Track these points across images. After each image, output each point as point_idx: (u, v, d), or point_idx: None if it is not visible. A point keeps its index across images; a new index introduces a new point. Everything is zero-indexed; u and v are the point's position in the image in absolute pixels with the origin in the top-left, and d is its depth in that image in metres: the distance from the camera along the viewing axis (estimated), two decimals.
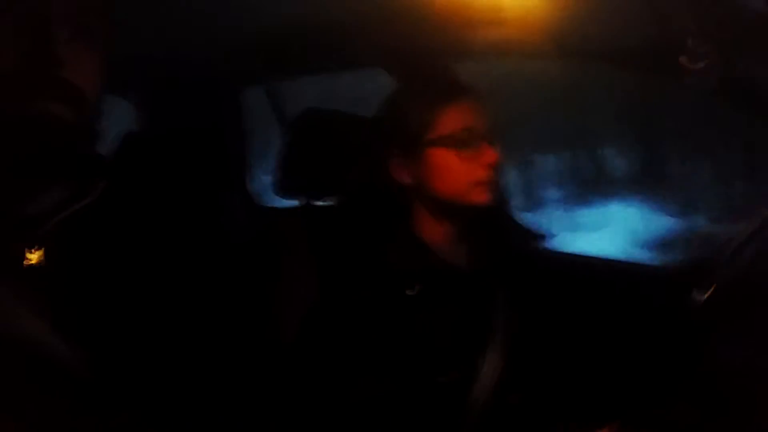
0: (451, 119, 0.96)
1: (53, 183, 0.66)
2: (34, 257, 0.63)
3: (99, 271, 0.68)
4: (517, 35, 1.17)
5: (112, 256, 0.70)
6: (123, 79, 1.90)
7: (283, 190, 1.21)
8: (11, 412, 0.57)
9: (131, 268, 0.71)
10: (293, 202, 1.20)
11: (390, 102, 1.05)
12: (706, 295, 0.84)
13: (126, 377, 0.65)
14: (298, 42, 1.41)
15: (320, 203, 1.17)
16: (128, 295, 0.69)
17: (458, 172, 0.96)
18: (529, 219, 1.13)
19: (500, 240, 1.06)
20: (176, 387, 0.68)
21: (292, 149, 1.20)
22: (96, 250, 0.69)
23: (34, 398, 0.59)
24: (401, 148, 0.99)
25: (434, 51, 1.38)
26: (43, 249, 0.64)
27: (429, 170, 0.97)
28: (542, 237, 1.10)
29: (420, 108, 0.98)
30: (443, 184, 0.97)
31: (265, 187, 1.40)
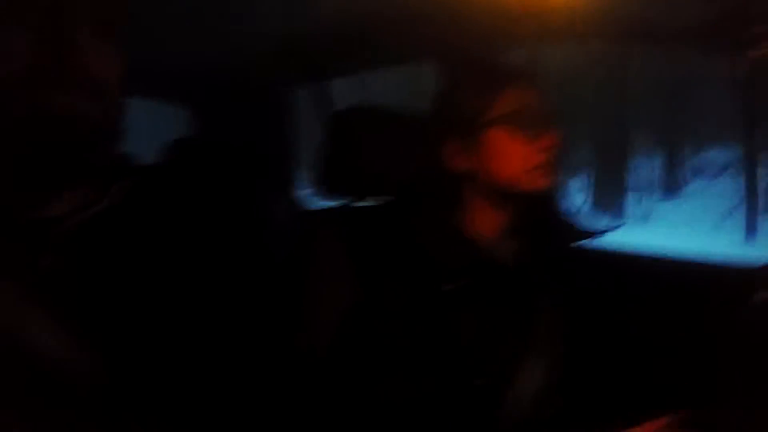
0: (510, 100, 0.94)
1: (76, 183, 0.65)
2: (51, 260, 0.62)
3: (126, 277, 0.66)
4: (567, 21, 1.14)
5: (143, 260, 0.68)
6: (170, 86, 1.94)
7: (326, 191, 1.19)
8: (22, 418, 0.56)
9: (164, 272, 0.68)
10: (335, 203, 1.18)
11: (445, 90, 1.03)
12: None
13: (148, 386, 0.63)
14: (346, 40, 1.40)
15: (363, 203, 1.15)
16: (157, 302, 0.66)
17: (518, 154, 0.93)
18: (581, 215, 1.09)
19: (548, 237, 1.03)
20: (205, 396, 0.66)
21: (334, 148, 1.18)
22: (125, 254, 0.67)
23: (45, 405, 0.57)
24: (459, 132, 0.96)
25: (485, 41, 1.35)
26: (63, 252, 0.62)
27: (488, 153, 0.95)
28: (592, 234, 1.05)
29: (478, 90, 0.96)
30: (502, 167, 0.94)
31: (309, 189, 1.39)
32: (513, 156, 0.93)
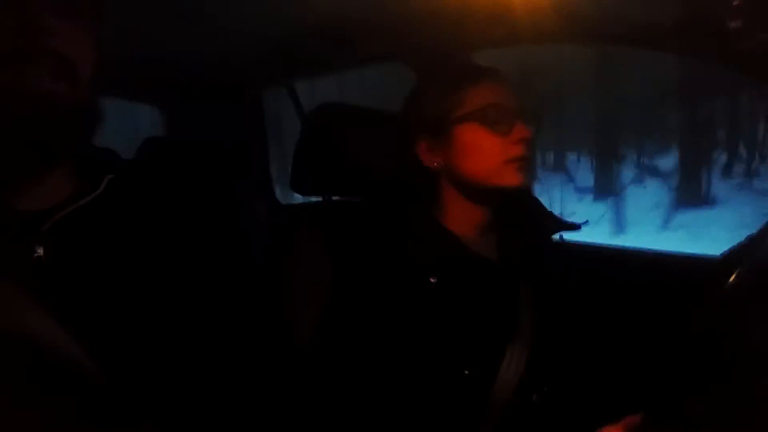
0: (479, 96, 0.95)
1: (57, 176, 0.66)
2: (42, 253, 0.63)
3: (108, 268, 0.67)
4: (537, 21, 1.15)
5: (124, 252, 0.69)
6: (144, 84, 1.93)
7: (301, 187, 1.20)
8: (18, 408, 0.56)
9: (144, 265, 0.70)
10: (311, 199, 1.19)
11: (416, 89, 1.04)
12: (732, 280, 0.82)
13: (136, 377, 0.64)
14: (317, 41, 1.40)
15: (338, 198, 1.16)
16: (140, 293, 0.68)
17: (489, 149, 0.94)
18: (559, 208, 1.11)
19: (528, 229, 1.04)
20: (187, 388, 0.67)
21: (307, 145, 1.19)
22: (107, 246, 0.68)
23: (42, 395, 0.58)
24: (430, 130, 0.98)
25: (454, 41, 1.37)
26: (51, 244, 0.63)
27: (459, 149, 0.96)
28: (571, 227, 1.07)
29: (447, 88, 0.97)
30: (474, 163, 0.95)
31: (285, 185, 1.40)
32: (482, 152, 0.94)
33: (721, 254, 0.92)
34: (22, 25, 0.58)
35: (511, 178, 0.94)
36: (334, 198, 1.18)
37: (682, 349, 1.09)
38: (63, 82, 0.61)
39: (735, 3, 0.88)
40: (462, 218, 0.99)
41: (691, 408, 0.92)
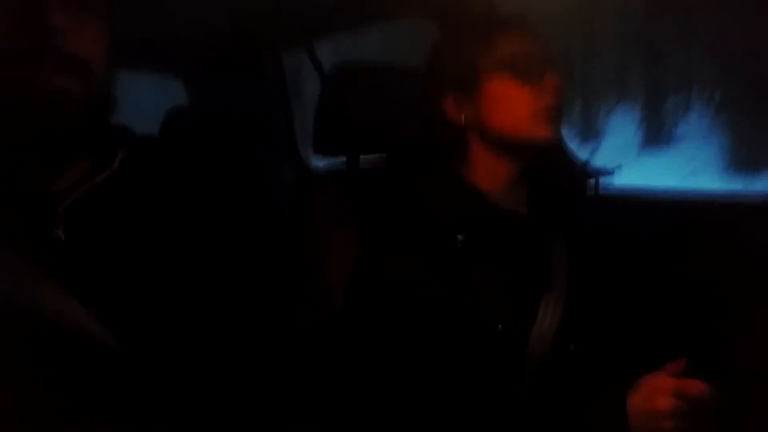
0: (507, 44, 0.92)
1: (73, 157, 0.66)
2: (61, 233, 0.63)
3: (128, 245, 0.67)
4: None
5: (143, 227, 0.69)
6: (164, 57, 1.93)
7: (324, 147, 1.18)
8: (37, 387, 0.57)
9: (164, 239, 0.69)
10: (336, 161, 1.18)
11: (440, 43, 1.01)
12: None
13: (160, 349, 0.64)
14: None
15: (362, 158, 1.14)
16: (162, 268, 0.68)
17: (518, 101, 0.91)
18: (589, 154, 1.07)
19: (558, 181, 1.01)
20: (210, 360, 0.68)
21: (328, 104, 1.17)
22: (126, 222, 0.68)
23: (62, 373, 0.59)
24: (456, 84, 0.94)
25: None
26: (70, 225, 0.64)
27: (488, 102, 0.93)
28: (603, 173, 1.04)
29: (473, 39, 0.94)
30: (503, 115, 0.92)
31: (309, 149, 1.39)
32: (512, 103, 0.91)
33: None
34: (33, 27, 0.58)
35: (542, 130, 0.91)
36: (358, 159, 1.16)
37: (723, 297, 1.06)
38: (76, 79, 0.61)
39: None
40: (490, 173, 0.97)
41: (733, 354, 0.90)
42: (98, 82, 0.63)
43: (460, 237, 0.91)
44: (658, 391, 0.80)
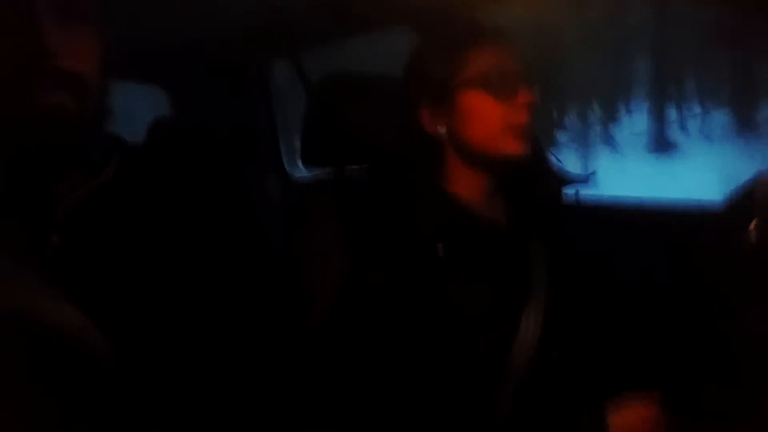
0: (481, 59, 0.92)
1: (68, 166, 0.67)
2: (57, 239, 0.64)
3: (123, 251, 0.68)
4: None
5: (135, 234, 0.70)
6: (149, 67, 1.93)
7: (310, 159, 1.19)
8: (33, 391, 0.58)
9: (155, 246, 0.71)
10: (321, 172, 1.19)
11: (417, 53, 1.01)
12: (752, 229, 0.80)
13: (151, 358, 0.65)
14: (318, 10, 1.39)
15: (348, 169, 1.15)
16: (155, 275, 0.69)
17: (492, 115, 0.91)
18: (566, 164, 1.09)
19: (535, 190, 1.03)
20: (202, 366, 0.68)
21: (313, 116, 1.18)
22: (119, 228, 0.69)
23: (58, 378, 0.59)
24: (431, 96, 0.95)
25: (458, 2, 1.34)
26: (65, 231, 0.65)
27: (461, 115, 0.94)
28: (579, 179, 1.05)
29: (447, 52, 0.95)
30: (477, 129, 0.93)
31: (295, 159, 1.39)
32: (488, 116, 0.92)
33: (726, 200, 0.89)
34: (29, 47, 0.58)
35: (512, 146, 0.92)
36: (345, 168, 1.17)
37: (701, 304, 1.08)
38: (71, 95, 0.61)
39: None
40: (467, 184, 0.98)
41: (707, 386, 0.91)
42: (93, 95, 0.64)
43: (440, 246, 0.91)
44: (640, 420, 0.83)
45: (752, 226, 0.81)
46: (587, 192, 1.14)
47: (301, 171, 1.34)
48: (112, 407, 0.61)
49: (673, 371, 0.86)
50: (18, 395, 0.57)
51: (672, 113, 9.74)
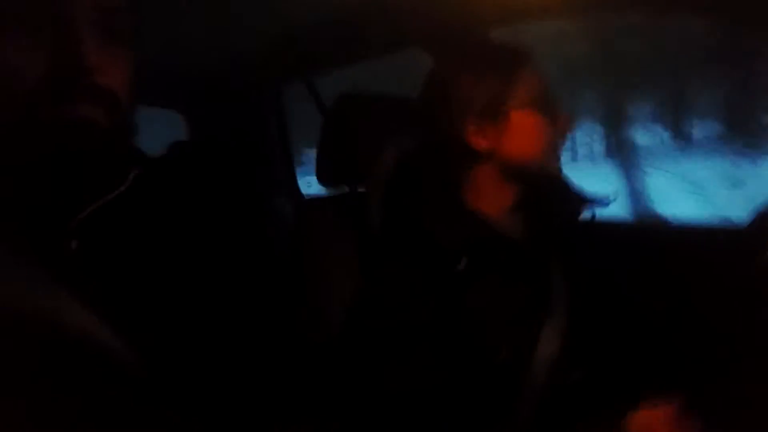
0: (530, 81, 0.97)
1: (90, 177, 0.68)
2: (75, 246, 0.66)
3: (139, 260, 0.70)
4: None
5: (152, 245, 0.72)
6: (165, 90, 1.96)
7: (325, 179, 1.20)
8: (50, 394, 0.58)
9: (169, 257, 0.72)
10: (337, 191, 1.20)
11: (451, 74, 1.01)
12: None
13: (169, 368, 0.66)
14: (333, 32, 1.41)
15: (362, 188, 1.16)
16: (165, 284, 0.70)
17: (542, 135, 0.97)
18: (587, 185, 1.09)
19: (556, 207, 1.04)
20: (216, 381, 0.69)
21: (328, 136, 1.20)
22: (136, 238, 0.71)
23: (78, 383, 0.60)
24: (480, 114, 0.97)
25: (472, 23, 1.35)
26: (84, 237, 0.66)
27: (511, 133, 0.97)
28: (600, 202, 1.06)
29: (499, 73, 0.97)
30: (527, 146, 0.97)
31: (310, 179, 1.40)
32: (537, 136, 0.97)
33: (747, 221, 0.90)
34: (68, 62, 0.60)
35: (555, 161, 0.98)
36: (359, 187, 1.18)
37: (721, 324, 1.06)
38: (103, 110, 0.64)
39: None
40: (492, 200, 1.00)
41: (732, 383, 0.90)
42: (123, 112, 0.67)
43: (463, 261, 0.92)
44: (656, 423, 0.82)
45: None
46: (607, 211, 1.14)
47: (318, 189, 1.35)
48: (126, 410, 0.61)
49: (690, 390, 0.85)
50: (34, 397, 0.58)
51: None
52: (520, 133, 0.97)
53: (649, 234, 1.37)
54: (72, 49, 0.60)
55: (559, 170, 1.00)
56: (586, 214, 1.08)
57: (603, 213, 1.12)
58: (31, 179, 0.64)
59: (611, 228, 1.34)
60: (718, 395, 0.85)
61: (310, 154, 1.26)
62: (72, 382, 0.59)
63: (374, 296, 0.93)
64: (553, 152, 0.98)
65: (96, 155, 0.65)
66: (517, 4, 1.25)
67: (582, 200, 1.05)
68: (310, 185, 1.84)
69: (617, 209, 1.24)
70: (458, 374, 0.88)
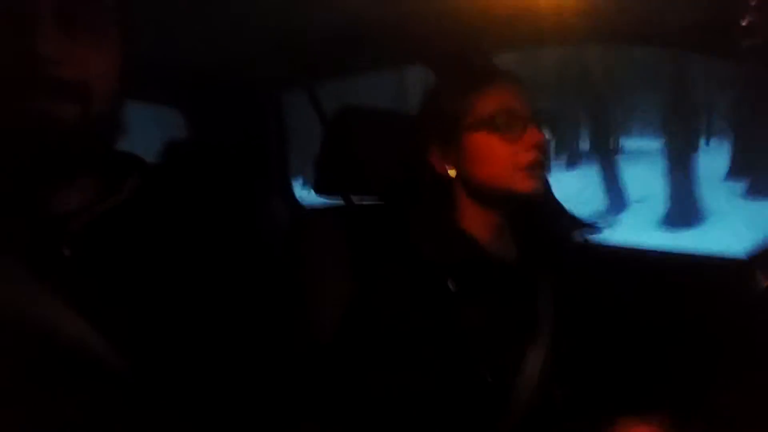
0: (490, 102, 0.94)
1: (79, 179, 0.67)
2: (69, 254, 0.64)
3: (133, 268, 0.68)
4: (556, 22, 1.15)
5: (148, 253, 0.70)
6: (164, 87, 1.95)
7: (322, 189, 1.20)
8: (43, 402, 0.58)
9: (166, 265, 0.71)
10: (332, 201, 1.20)
11: (429, 94, 1.03)
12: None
13: (164, 374, 0.65)
14: (336, 42, 1.41)
15: (359, 200, 1.16)
16: (162, 292, 0.69)
17: (501, 156, 0.93)
18: (576, 207, 1.10)
19: (545, 229, 1.04)
20: (208, 387, 0.69)
21: (328, 147, 1.20)
22: (132, 247, 0.69)
23: (69, 390, 0.59)
24: (441, 137, 0.97)
25: (473, 43, 1.37)
26: (78, 245, 0.65)
27: (470, 156, 0.95)
28: (589, 226, 1.06)
29: (456, 94, 0.96)
30: (485, 170, 0.94)
31: (306, 187, 1.41)
32: (497, 157, 0.93)
33: (748, 254, 0.91)
34: (27, 55, 0.56)
35: (523, 185, 0.92)
36: (356, 200, 1.18)
37: (705, 349, 1.08)
38: (71, 105, 0.60)
39: (752, 2, 0.89)
40: (478, 221, 0.99)
41: (717, 404, 0.91)
42: (100, 106, 0.62)
43: (451, 282, 0.92)
44: None
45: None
46: (598, 235, 1.15)
47: (313, 198, 1.35)
48: (119, 418, 0.61)
49: (675, 408, 0.85)
50: (27, 405, 0.57)
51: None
52: (479, 155, 0.94)
53: (641, 259, 1.39)
54: (28, 39, 0.56)
55: (540, 193, 0.95)
56: (577, 238, 1.08)
57: (595, 236, 1.14)
58: (12, 182, 0.62)
59: (601, 251, 1.35)
60: (703, 414, 0.85)
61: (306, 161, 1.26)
62: (65, 389, 0.59)
63: (366, 309, 0.93)
64: (524, 174, 0.92)
65: (74, 154, 0.62)
66: (514, 32, 1.27)
67: (572, 224, 1.06)
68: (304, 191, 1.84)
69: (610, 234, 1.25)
70: (446, 390, 0.88)
